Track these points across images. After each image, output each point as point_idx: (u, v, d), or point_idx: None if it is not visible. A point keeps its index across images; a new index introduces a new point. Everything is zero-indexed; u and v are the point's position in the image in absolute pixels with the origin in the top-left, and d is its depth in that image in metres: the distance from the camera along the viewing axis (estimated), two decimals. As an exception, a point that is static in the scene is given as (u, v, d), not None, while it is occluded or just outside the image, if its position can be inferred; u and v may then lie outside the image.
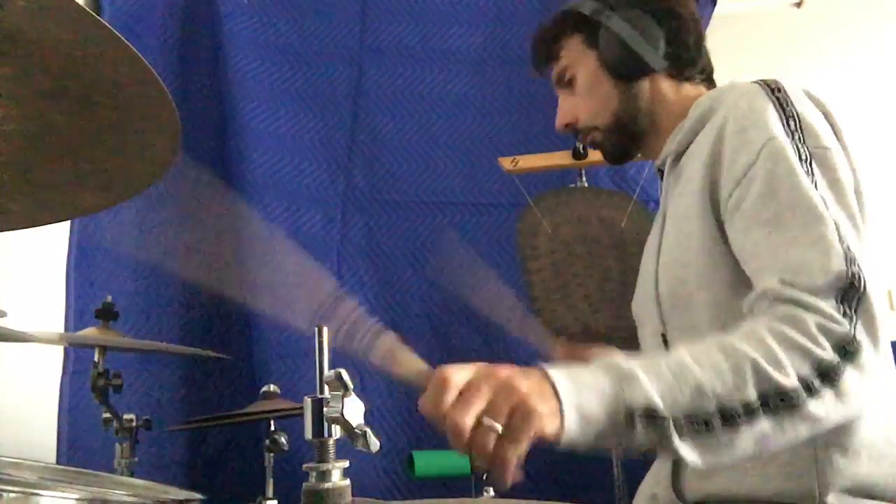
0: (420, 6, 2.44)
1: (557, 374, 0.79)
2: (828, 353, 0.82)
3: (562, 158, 2.12)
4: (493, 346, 2.20)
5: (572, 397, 0.78)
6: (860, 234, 0.93)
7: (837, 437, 0.95)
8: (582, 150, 2.07)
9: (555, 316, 1.96)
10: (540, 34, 1.31)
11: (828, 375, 0.81)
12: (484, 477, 1.59)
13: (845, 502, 0.94)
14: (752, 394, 0.80)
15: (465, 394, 0.74)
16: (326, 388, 0.75)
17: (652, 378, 0.80)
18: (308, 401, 0.76)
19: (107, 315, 1.49)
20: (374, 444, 0.76)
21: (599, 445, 0.80)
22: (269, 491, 1.53)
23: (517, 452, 0.75)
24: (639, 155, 1.32)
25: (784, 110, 0.99)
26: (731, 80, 1.15)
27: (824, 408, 0.81)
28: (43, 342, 1.56)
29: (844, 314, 0.84)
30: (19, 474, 1.03)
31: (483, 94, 2.40)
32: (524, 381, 0.76)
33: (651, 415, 0.78)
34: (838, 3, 3.08)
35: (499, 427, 0.73)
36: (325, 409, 0.75)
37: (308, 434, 0.76)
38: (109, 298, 1.51)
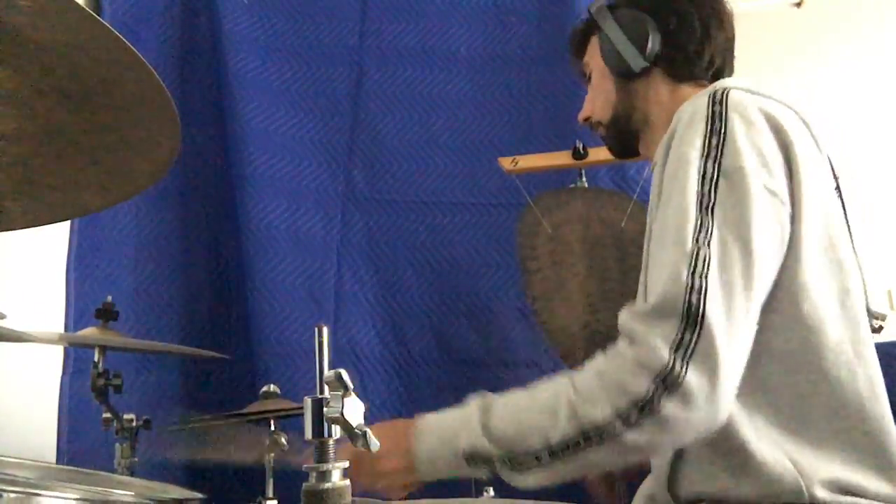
0: (420, 6, 2.43)
1: (422, 424, 1.03)
2: (642, 386, 0.88)
3: (562, 158, 2.12)
4: (492, 345, 2.20)
5: (424, 445, 1.01)
6: (749, 261, 0.91)
7: (805, 437, 0.96)
8: (582, 150, 2.07)
9: (555, 316, 1.96)
10: (572, 33, 1.38)
11: (644, 408, 0.88)
12: (484, 477, 1.59)
13: (834, 496, 0.94)
14: (570, 430, 0.91)
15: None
16: (326, 388, 0.75)
17: (488, 422, 0.97)
18: (308, 401, 0.76)
19: (107, 315, 1.49)
20: (375, 444, 0.76)
21: (456, 476, 1.00)
22: (269, 491, 1.53)
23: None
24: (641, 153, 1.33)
25: (713, 124, 0.98)
26: (719, 82, 1.15)
27: (645, 437, 0.89)
28: (43, 342, 1.56)
29: (678, 343, 0.87)
30: (19, 474, 1.03)
31: (483, 94, 2.40)
32: (386, 438, 0.92)
33: (479, 457, 0.96)
34: (838, 3, 3.08)
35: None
36: (325, 409, 0.75)
37: (308, 434, 0.76)
38: (109, 298, 1.51)
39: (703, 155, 0.96)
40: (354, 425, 0.75)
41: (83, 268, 2.05)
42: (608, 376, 0.91)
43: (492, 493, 1.56)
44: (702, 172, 0.95)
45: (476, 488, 1.61)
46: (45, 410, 1.92)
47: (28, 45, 0.68)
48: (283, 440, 1.50)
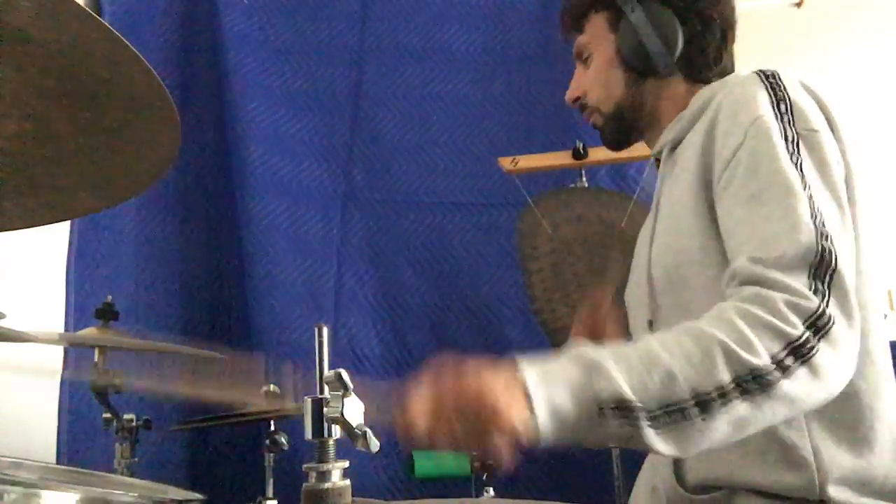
0: (420, 6, 2.43)
1: (528, 370, 0.80)
2: (798, 330, 0.81)
3: (562, 158, 2.12)
4: (492, 346, 2.20)
5: (543, 394, 0.78)
6: (843, 215, 0.93)
7: (840, 428, 0.95)
8: (582, 150, 2.07)
9: (555, 316, 1.96)
10: (570, 3, 1.30)
11: (800, 352, 0.81)
12: (484, 477, 1.59)
13: (846, 495, 0.94)
14: (724, 377, 0.79)
15: (435, 418, 0.77)
16: (326, 388, 0.75)
17: (622, 368, 0.80)
18: (308, 401, 0.76)
19: (107, 315, 1.49)
20: (374, 444, 0.76)
21: (575, 440, 0.81)
22: (269, 491, 1.53)
23: (499, 448, 0.77)
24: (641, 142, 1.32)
25: (775, 93, 1.00)
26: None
27: (800, 386, 0.81)
28: (43, 342, 1.56)
29: (815, 290, 0.84)
30: (20, 474, 1.03)
31: (483, 94, 2.40)
32: (493, 385, 0.78)
33: (622, 406, 0.78)
34: (838, 3, 3.07)
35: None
36: (325, 409, 0.75)
37: (308, 434, 0.76)
38: (109, 298, 1.51)
39: (777, 117, 0.98)
40: (354, 425, 0.75)
41: (83, 268, 2.05)
42: (759, 319, 0.82)
43: (492, 493, 1.56)
44: (783, 133, 0.96)
45: (476, 488, 1.61)
46: (45, 410, 1.92)
47: (28, 45, 0.68)
48: (283, 440, 1.49)
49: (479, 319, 2.23)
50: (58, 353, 1.95)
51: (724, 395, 0.79)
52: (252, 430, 1.94)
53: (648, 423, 0.78)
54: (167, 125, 0.80)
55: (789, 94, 1.00)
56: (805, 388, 0.81)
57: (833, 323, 0.82)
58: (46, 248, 2.00)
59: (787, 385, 0.80)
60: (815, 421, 0.96)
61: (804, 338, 0.81)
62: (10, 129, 0.78)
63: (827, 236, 0.87)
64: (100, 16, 1.06)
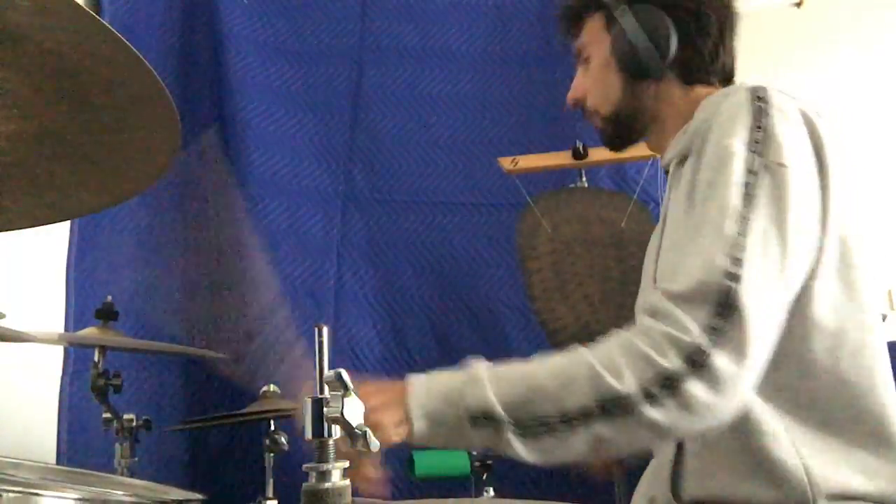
0: (420, 6, 2.43)
1: (415, 383, 0.92)
2: (669, 363, 0.86)
3: (562, 158, 2.12)
4: (492, 345, 2.20)
5: (420, 403, 0.90)
6: (785, 257, 0.92)
7: (834, 446, 0.96)
8: (582, 150, 2.07)
9: (555, 316, 1.96)
10: (564, 7, 1.30)
11: (668, 383, 0.85)
12: (484, 477, 1.59)
13: None
14: (587, 398, 0.87)
15: None
16: (326, 388, 0.75)
17: (497, 382, 0.90)
18: (308, 401, 0.76)
19: (107, 315, 1.49)
20: (375, 444, 0.76)
21: (452, 444, 0.92)
22: (269, 491, 1.53)
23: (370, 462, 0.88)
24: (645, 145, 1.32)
25: (757, 119, 0.99)
26: (740, 82, 1.15)
27: (665, 415, 0.85)
28: (43, 342, 1.56)
29: (708, 327, 0.86)
30: (19, 474, 1.03)
31: (483, 94, 2.40)
32: (376, 398, 0.87)
33: (487, 416, 0.88)
34: (838, 3, 3.07)
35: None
36: (325, 409, 0.75)
37: (308, 434, 0.76)
38: (109, 298, 1.51)
39: (747, 147, 0.97)
40: (354, 425, 0.75)
41: (83, 268, 2.05)
42: (635, 348, 0.87)
43: (492, 493, 1.56)
44: (747, 164, 0.96)
45: (476, 488, 1.61)
46: (45, 410, 1.92)
47: (28, 45, 0.68)
48: (283, 440, 1.50)
49: (479, 319, 2.23)
50: (58, 353, 1.95)
51: (585, 415, 0.86)
52: (252, 430, 1.94)
53: (514, 433, 0.88)
54: (167, 125, 0.80)
55: (772, 121, 0.98)
56: (671, 418, 0.86)
57: (712, 360, 0.85)
58: (46, 248, 2.00)
59: (651, 412, 0.85)
60: (809, 437, 0.96)
61: (676, 371, 0.85)
62: (10, 129, 0.78)
63: (737, 278, 0.88)
64: (100, 16, 1.06)
